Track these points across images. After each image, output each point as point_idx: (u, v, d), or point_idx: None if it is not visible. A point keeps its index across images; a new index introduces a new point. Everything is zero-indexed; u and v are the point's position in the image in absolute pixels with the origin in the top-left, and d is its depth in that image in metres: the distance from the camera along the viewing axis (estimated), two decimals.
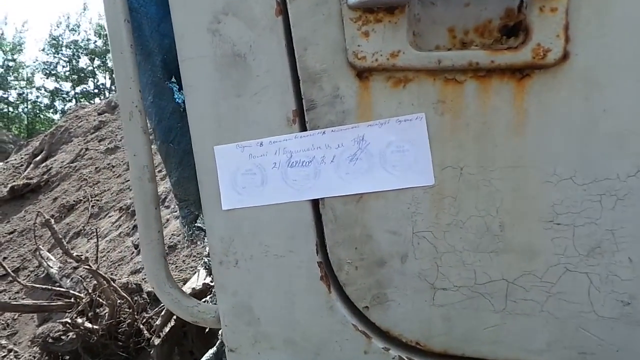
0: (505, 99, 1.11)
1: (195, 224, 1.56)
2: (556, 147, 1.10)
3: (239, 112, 1.28)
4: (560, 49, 1.04)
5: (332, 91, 1.21)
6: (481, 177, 1.15)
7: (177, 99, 1.44)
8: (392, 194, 1.21)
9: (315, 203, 1.28)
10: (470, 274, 1.19)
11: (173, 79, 1.44)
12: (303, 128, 1.26)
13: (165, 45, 1.39)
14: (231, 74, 1.26)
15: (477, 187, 1.16)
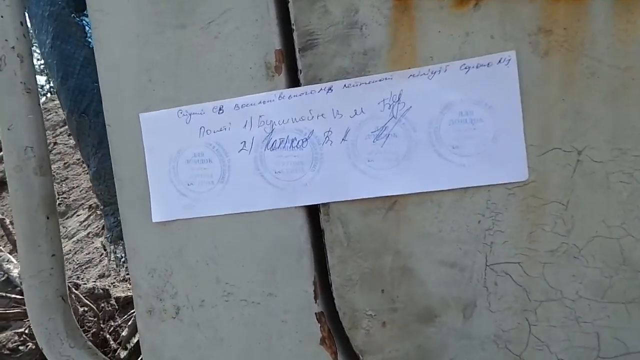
0: None
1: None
2: None
3: (182, 55, 0.74)
4: None
5: (346, 15, 0.68)
6: (616, 167, 0.64)
7: (92, 43, 0.89)
8: (449, 198, 0.69)
9: (314, 213, 0.75)
10: (590, 340, 0.67)
11: (86, 11, 0.90)
12: (293, 82, 0.73)
13: None
14: None
15: (606, 186, 0.64)
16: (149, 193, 0.77)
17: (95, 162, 0.94)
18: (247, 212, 0.74)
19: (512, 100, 0.65)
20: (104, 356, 0.91)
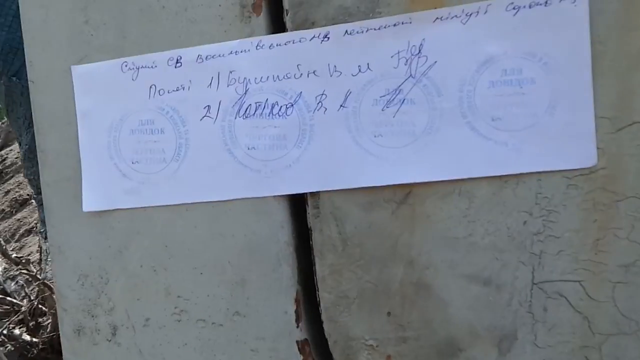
0: None
1: None
2: None
3: None
4: None
5: None
6: None
7: None
8: (484, 189, 0.50)
9: (299, 205, 0.56)
10: None
11: None
12: (276, 26, 0.54)
13: None
14: None
15: None
16: (80, 173, 0.58)
17: (27, 137, 0.74)
18: (209, 202, 0.55)
19: (578, 53, 0.47)
20: None
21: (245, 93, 0.54)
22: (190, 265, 0.56)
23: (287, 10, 0.52)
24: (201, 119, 0.55)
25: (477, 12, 0.49)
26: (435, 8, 0.49)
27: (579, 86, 0.47)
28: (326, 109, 0.52)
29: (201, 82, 0.54)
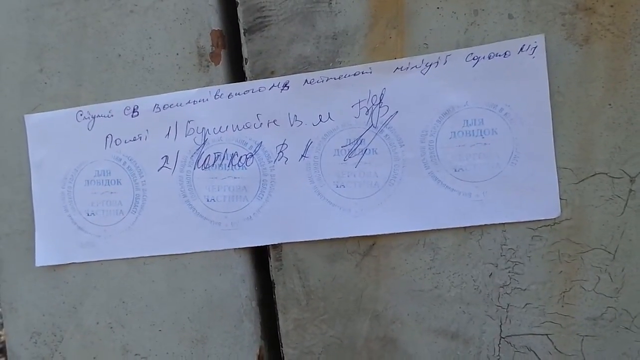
0: None
1: None
2: None
3: (86, 36, 0.54)
4: None
5: None
6: None
7: None
8: (449, 241, 0.49)
9: (261, 257, 0.54)
10: None
11: None
12: (236, 75, 0.53)
13: None
14: None
15: None
16: (33, 226, 0.55)
17: None
18: (167, 255, 0.53)
19: (539, 104, 0.46)
20: None
21: (204, 143, 0.52)
22: (149, 322, 0.54)
23: (246, 59, 0.51)
24: (159, 170, 0.53)
25: (437, 62, 0.48)
26: (396, 58, 0.49)
27: (540, 136, 0.47)
28: (287, 158, 0.51)
29: (159, 132, 0.53)
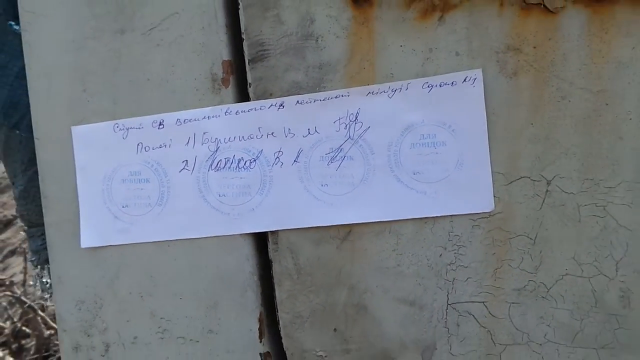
0: None
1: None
2: None
3: (121, 63, 0.67)
4: None
5: (301, 26, 0.62)
6: (588, 199, 0.58)
7: None
8: (409, 229, 0.62)
9: (261, 240, 0.68)
10: None
11: None
12: (242, 96, 0.66)
13: None
14: None
15: (577, 219, 0.59)
16: (78, 215, 0.69)
17: (23, 180, 0.86)
18: (186, 239, 0.67)
19: (477, 123, 0.60)
20: None
21: (216, 150, 0.66)
22: (171, 292, 0.68)
23: (250, 83, 0.64)
24: (180, 171, 0.67)
25: (400, 88, 0.61)
26: (368, 84, 0.62)
27: (479, 148, 0.60)
28: (282, 163, 0.65)
29: (180, 141, 0.66)
